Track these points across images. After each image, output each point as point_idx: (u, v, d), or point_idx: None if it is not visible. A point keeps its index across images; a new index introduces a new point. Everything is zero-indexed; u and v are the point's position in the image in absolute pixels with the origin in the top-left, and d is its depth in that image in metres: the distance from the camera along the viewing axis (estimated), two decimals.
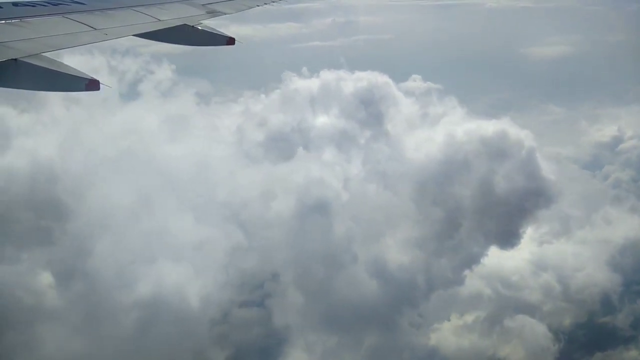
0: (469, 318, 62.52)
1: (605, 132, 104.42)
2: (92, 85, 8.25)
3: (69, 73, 8.28)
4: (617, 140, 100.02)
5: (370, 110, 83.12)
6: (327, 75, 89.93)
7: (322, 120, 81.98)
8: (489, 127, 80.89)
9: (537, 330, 60.36)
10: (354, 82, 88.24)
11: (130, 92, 76.40)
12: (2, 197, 55.95)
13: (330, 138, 77.84)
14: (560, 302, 65.11)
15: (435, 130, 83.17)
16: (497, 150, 76.67)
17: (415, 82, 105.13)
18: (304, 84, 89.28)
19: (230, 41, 11.62)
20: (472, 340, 60.23)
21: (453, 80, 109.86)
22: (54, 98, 63.38)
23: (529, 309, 63.18)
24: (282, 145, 75.32)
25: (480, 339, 60.25)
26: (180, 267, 55.59)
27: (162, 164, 64.34)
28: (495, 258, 68.07)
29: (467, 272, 66.10)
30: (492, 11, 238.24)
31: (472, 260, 67.20)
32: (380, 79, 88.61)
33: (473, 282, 65.72)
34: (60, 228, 56.41)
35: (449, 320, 62.53)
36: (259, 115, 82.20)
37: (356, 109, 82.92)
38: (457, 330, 61.34)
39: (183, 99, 79.04)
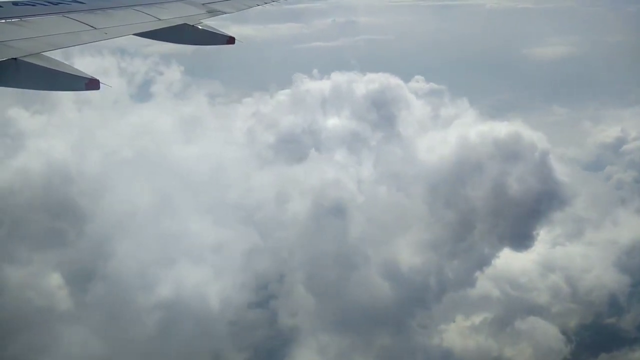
0: (479, 319, 62.22)
1: (609, 133, 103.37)
2: (92, 84, 8.22)
3: (69, 72, 8.27)
4: (621, 141, 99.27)
5: (381, 112, 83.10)
6: (337, 77, 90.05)
7: (333, 122, 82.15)
8: (502, 128, 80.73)
9: (549, 332, 60.00)
10: (364, 83, 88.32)
11: (141, 94, 76.88)
12: (15, 198, 56.34)
13: (342, 140, 77.94)
14: (568, 303, 64.75)
15: (447, 132, 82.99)
16: (509, 152, 76.41)
17: (418, 83, 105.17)
18: (314, 85, 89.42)
19: (231, 40, 11.62)
20: (483, 341, 59.94)
21: (455, 81, 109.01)
22: (66, 100, 63.86)
23: (538, 311, 62.89)
24: (294, 147, 75.51)
25: (491, 340, 59.95)
26: (198, 269, 55.84)
27: (176, 165, 64.65)
28: (504, 259, 67.75)
29: (478, 273, 65.91)
30: (492, 12, 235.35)
31: (484, 262, 66.97)
32: (391, 80, 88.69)
33: (483, 283, 65.48)
34: (74, 229, 56.73)
35: (455, 322, 62.30)
36: (270, 116, 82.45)
37: (367, 111, 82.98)
38: (468, 331, 61.05)
39: (193, 100, 79.47)
